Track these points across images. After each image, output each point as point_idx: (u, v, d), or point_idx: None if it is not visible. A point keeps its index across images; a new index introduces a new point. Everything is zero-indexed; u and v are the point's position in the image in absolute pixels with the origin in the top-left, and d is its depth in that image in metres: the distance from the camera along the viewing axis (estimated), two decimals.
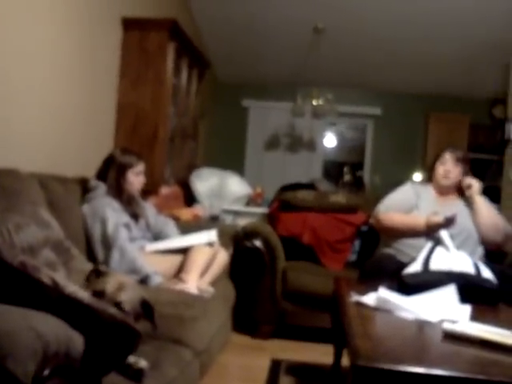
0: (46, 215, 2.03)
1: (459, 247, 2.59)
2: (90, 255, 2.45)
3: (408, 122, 7.11)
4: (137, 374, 1.45)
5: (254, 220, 4.17)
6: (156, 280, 2.38)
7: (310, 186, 4.98)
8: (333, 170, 8.42)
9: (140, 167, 2.75)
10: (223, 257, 2.84)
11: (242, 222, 3.97)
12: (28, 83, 2.64)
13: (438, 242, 2.55)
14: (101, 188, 2.63)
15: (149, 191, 3.32)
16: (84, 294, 1.34)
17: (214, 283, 2.65)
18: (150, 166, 3.29)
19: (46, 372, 1.14)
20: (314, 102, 6.02)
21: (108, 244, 2.45)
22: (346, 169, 7.80)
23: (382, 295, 1.99)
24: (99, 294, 1.50)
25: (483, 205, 2.86)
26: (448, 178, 2.95)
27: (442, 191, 2.99)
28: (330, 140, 8.26)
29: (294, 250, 3.49)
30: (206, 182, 4.74)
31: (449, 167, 2.95)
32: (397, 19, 5.28)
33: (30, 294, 1.32)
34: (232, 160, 6.93)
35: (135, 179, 2.74)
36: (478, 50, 5.67)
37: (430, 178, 3.08)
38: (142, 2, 4.01)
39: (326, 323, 2.69)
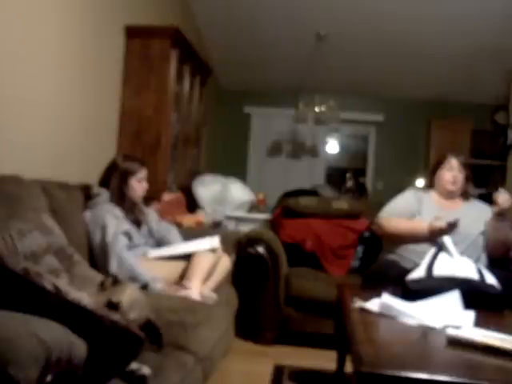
0: (49, 222, 2.03)
1: (463, 253, 2.58)
2: (93, 261, 2.45)
3: (410, 128, 7.11)
4: (140, 381, 1.45)
5: (256, 226, 4.16)
6: (156, 287, 2.38)
7: (313, 193, 4.98)
8: (335, 176, 8.41)
9: (142, 173, 2.76)
10: (226, 263, 2.83)
11: (245, 229, 3.97)
12: (32, 90, 2.65)
13: (441, 247, 2.54)
14: (103, 195, 2.64)
15: (151, 197, 3.32)
16: (87, 301, 1.34)
17: (217, 289, 2.64)
18: (153, 172, 3.29)
19: (49, 378, 1.14)
20: (317, 109, 6.03)
21: (106, 251, 2.45)
22: (348, 175, 7.79)
23: (386, 301, 1.98)
24: (114, 307, 1.49)
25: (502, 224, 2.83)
26: (456, 184, 2.94)
27: (447, 197, 2.98)
28: (332, 146, 8.25)
29: (296, 257, 3.49)
30: (208, 188, 4.74)
31: (456, 173, 2.94)
32: (399, 26, 5.29)
33: (33, 301, 1.32)
34: (234, 166, 6.94)
35: (138, 186, 2.74)
36: (480, 56, 5.67)
37: (430, 183, 3.07)
38: (144, 10, 4.03)
39: (329, 329, 2.69)
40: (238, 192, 4.86)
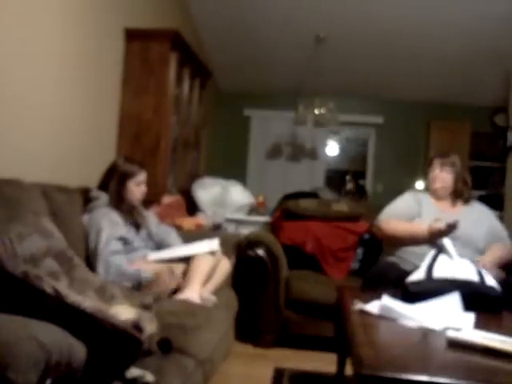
0: (49, 225, 2.03)
1: (463, 255, 2.57)
2: (90, 264, 2.45)
3: (410, 130, 7.11)
4: None
5: (256, 229, 4.17)
6: (146, 277, 2.42)
7: (313, 195, 4.98)
8: (335, 178, 8.41)
9: (141, 176, 2.75)
10: (226, 266, 2.83)
11: (245, 231, 3.97)
12: (32, 93, 2.65)
13: (440, 249, 2.54)
14: (102, 198, 2.64)
15: (151, 200, 3.32)
16: (86, 303, 1.34)
17: (217, 292, 2.64)
18: (153, 175, 3.30)
19: (48, 382, 1.13)
20: (316, 111, 6.03)
21: (96, 255, 2.45)
22: (348, 177, 7.79)
23: (386, 303, 1.98)
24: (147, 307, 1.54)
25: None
26: (435, 182, 2.97)
27: (436, 197, 2.99)
28: (332, 149, 8.25)
29: (296, 259, 3.49)
30: (208, 191, 4.74)
31: (436, 173, 2.97)
32: (398, 28, 5.30)
33: (33, 304, 1.32)
34: (234, 169, 6.94)
35: (136, 189, 2.73)
36: (479, 59, 5.68)
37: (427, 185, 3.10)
38: (144, 13, 4.04)
39: (329, 332, 2.69)
40: (238, 195, 4.86)
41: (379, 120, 7.18)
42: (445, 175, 2.96)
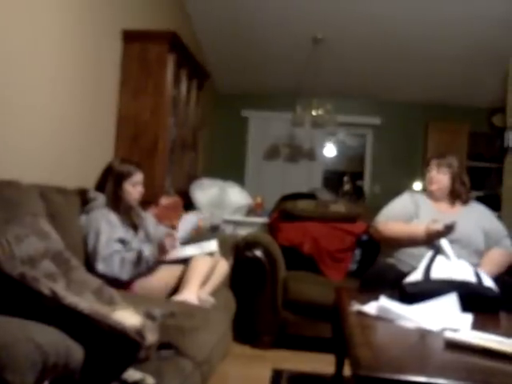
0: (46, 226, 2.03)
1: (462, 257, 2.57)
2: (89, 266, 2.45)
3: (407, 131, 7.12)
4: None
5: (254, 230, 4.17)
6: (148, 255, 2.52)
7: (310, 196, 4.98)
8: (333, 179, 8.42)
9: (138, 177, 2.74)
10: (224, 267, 2.83)
11: (243, 232, 3.97)
12: (29, 95, 2.65)
13: (438, 250, 2.54)
14: (99, 199, 2.63)
15: (149, 201, 3.32)
16: (84, 305, 1.34)
17: (215, 293, 2.64)
18: (150, 176, 3.30)
19: (45, 383, 1.13)
20: (314, 112, 6.03)
21: (96, 255, 2.46)
22: (345, 178, 7.79)
23: (383, 304, 1.98)
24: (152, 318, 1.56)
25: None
26: (431, 184, 2.97)
27: (434, 198, 2.99)
28: (329, 150, 8.27)
29: (294, 260, 3.49)
30: (206, 192, 4.74)
31: (433, 174, 2.97)
32: (396, 30, 5.31)
33: (30, 305, 1.32)
34: (232, 170, 6.94)
35: (132, 189, 2.73)
36: (477, 59, 5.69)
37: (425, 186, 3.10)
38: (142, 15, 4.04)
39: (327, 333, 2.68)
40: (236, 196, 4.86)
41: (377, 121, 7.19)
42: (441, 176, 2.96)
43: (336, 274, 3.44)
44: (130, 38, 3.71)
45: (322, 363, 2.81)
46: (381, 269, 2.86)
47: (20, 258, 1.66)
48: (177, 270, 2.63)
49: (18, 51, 2.51)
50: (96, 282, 1.98)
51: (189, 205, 4.61)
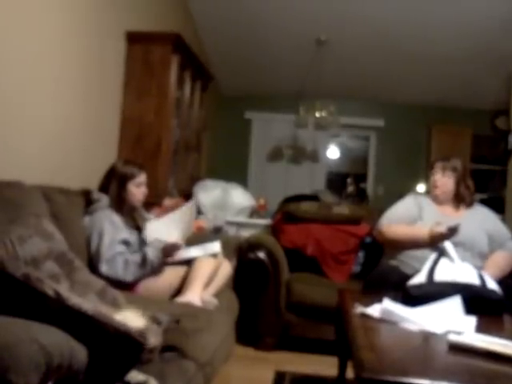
0: (50, 227, 2.03)
1: (466, 260, 2.56)
2: (92, 267, 2.45)
3: (411, 133, 7.11)
4: None
5: (257, 232, 4.16)
6: (154, 255, 2.52)
7: (314, 198, 4.97)
8: (336, 181, 8.43)
9: (141, 178, 2.75)
10: (227, 268, 2.83)
11: (246, 234, 3.97)
12: (33, 96, 2.65)
13: (442, 253, 2.54)
14: (103, 200, 2.64)
15: (152, 203, 3.32)
16: (87, 306, 1.34)
17: (218, 295, 2.64)
18: (154, 177, 3.30)
19: None
20: (317, 114, 6.03)
21: (99, 256, 2.46)
22: (349, 180, 7.80)
23: (387, 306, 1.97)
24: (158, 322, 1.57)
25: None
26: (436, 187, 2.96)
27: (438, 201, 2.99)
28: (333, 152, 8.27)
29: (297, 262, 3.48)
30: (209, 193, 4.74)
31: (437, 178, 2.96)
32: (399, 32, 5.31)
33: (34, 306, 1.32)
34: (235, 172, 6.94)
35: (136, 190, 2.73)
36: (480, 61, 5.68)
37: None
38: (146, 16, 4.05)
39: (330, 335, 2.68)
40: (239, 197, 4.86)
41: (380, 123, 7.18)
42: (446, 180, 2.95)
43: (339, 276, 3.44)
44: (134, 39, 3.71)
45: (325, 365, 2.80)
46: (384, 271, 2.85)
47: (24, 258, 1.66)
48: (180, 271, 2.63)
49: (22, 52, 2.52)
50: (99, 283, 1.98)
51: None
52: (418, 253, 2.75)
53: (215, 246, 2.75)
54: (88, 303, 1.39)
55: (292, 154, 7.29)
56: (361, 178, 7.90)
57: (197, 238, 3.15)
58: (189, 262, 2.63)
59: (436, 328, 1.84)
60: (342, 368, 2.43)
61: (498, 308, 2.25)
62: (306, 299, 3.21)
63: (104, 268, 2.43)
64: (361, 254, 3.59)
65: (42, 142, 2.78)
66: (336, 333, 2.49)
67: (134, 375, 1.43)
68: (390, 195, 5.94)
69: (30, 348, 1.10)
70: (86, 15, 3.11)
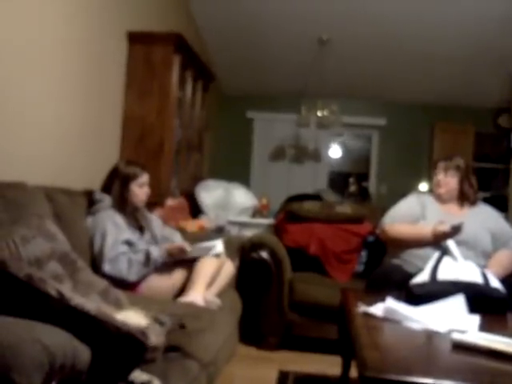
0: (53, 227, 2.03)
1: (469, 258, 2.56)
2: (95, 267, 2.45)
3: (413, 132, 7.10)
4: None
5: (260, 231, 4.16)
6: (157, 257, 2.53)
7: (316, 197, 4.98)
8: (338, 180, 8.42)
9: (144, 178, 2.75)
10: (230, 268, 2.83)
11: (248, 234, 3.97)
12: (35, 96, 2.66)
13: (445, 251, 2.53)
14: (105, 200, 2.64)
15: (155, 203, 3.32)
16: (90, 306, 1.34)
17: (221, 295, 2.64)
18: (156, 177, 3.30)
19: None
20: (319, 113, 6.03)
21: (102, 256, 2.46)
22: (351, 179, 7.79)
23: (390, 305, 1.97)
24: (161, 323, 1.58)
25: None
26: (439, 187, 2.95)
27: (441, 200, 2.98)
28: (335, 151, 8.26)
29: (300, 261, 3.48)
30: (211, 193, 4.74)
31: (440, 177, 2.96)
32: (401, 31, 5.30)
33: (37, 306, 1.32)
34: (237, 171, 6.95)
35: (139, 191, 2.73)
36: (482, 60, 5.67)
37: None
38: (147, 17, 4.05)
39: (333, 334, 2.68)
40: (241, 197, 4.86)
41: (382, 122, 7.17)
42: (449, 179, 2.94)
43: (342, 276, 3.43)
44: (136, 39, 3.72)
45: (329, 364, 2.80)
46: (387, 270, 2.85)
47: (27, 259, 1.66)
48: (183, 270, 2.63)
49: (23, 52, 2.52)
50: (102, 283, 1.98)
51: (194, 206, 4.62)
52: (421, 251, 2.74)
53: (218, 246, 2.75)
54: (91, 303, 1.40)
55: (294, 153, 7.28)
56: (363, 177, 7.89)
57: (199, 237, 3.15)
58: (192, 262, 2.63)
59: (439, 327, 1.84)
60: (346, 367, 2.43)
61: (501, 306, 2.25)
62: (309, 298, 3.20)
63: (107, 268, 2.43)
64: (363, 253, 3.59)
65: (44, 142, 2.78)
66: (339, 332, 2.48)
67: (138, 375, 1.43)
68: (392, 194, 5.94)
69: (33, 348, 1.10)
70: (87, 15, 3.11)
